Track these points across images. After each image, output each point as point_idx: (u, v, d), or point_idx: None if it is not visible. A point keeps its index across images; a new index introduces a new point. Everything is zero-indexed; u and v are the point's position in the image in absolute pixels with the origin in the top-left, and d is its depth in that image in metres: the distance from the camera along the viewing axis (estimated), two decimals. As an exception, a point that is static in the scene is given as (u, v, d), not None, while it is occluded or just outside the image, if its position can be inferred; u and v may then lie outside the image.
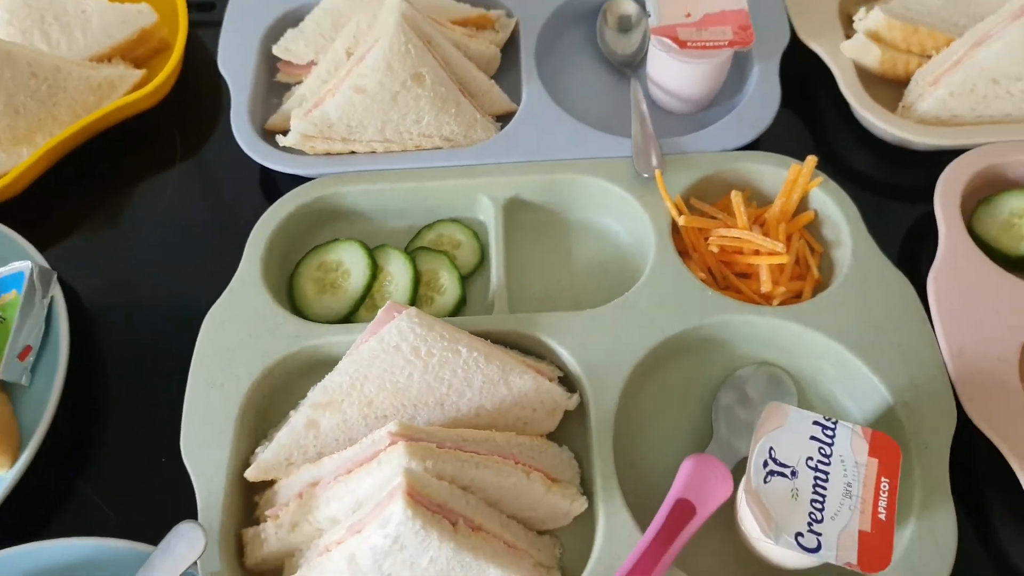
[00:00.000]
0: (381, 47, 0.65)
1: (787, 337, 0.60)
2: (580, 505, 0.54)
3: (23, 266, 0.62)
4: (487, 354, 0.56)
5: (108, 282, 0.68)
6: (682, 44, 0.67)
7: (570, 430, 0.58)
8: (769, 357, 0.61)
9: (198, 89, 0.79)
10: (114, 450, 0.61)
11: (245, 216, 0.68)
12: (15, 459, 0.57)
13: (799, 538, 0.46)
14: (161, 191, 0.74)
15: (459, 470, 0.50)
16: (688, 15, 0.68)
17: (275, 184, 0.73)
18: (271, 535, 0.53)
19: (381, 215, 0.69)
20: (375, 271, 0.64)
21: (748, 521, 0.48)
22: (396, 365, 0.55)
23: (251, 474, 0.55)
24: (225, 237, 0.69)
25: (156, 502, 0.58)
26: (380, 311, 0.57)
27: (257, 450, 0.56)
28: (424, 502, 0.47)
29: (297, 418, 0.56)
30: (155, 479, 0.59)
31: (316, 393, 0.56)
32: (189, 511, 0.56)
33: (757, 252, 0.63)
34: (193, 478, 0.55)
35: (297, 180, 0.69)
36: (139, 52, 0.78)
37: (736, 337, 0.61)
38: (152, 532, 0.51)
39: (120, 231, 0.72)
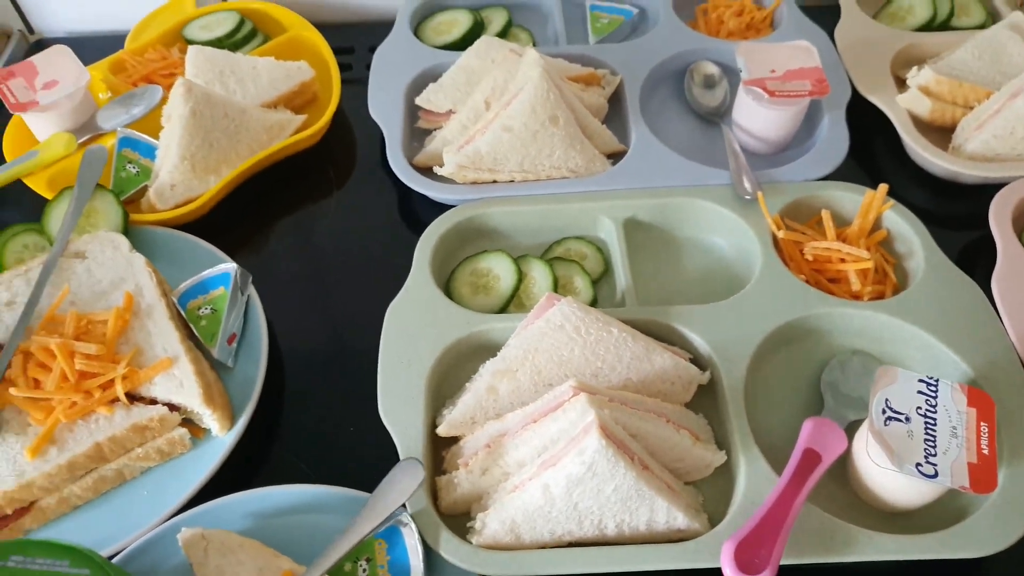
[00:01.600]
0: (527, 93, 0.80)
1: (877, 327, 0.72)
2: (721, 457, 0.65)
3: (228, 267, 0.75)
4: (633, 335, 0.68)
5: (286, 284, 0.80)
6: (771, 93, 0.82)
7: (699, 402, 0.69)
8: (862, 345, 0.73)
9: (343, 132, 0.94)
10: (307, 422, 0.72)
11: (392, 234, 0.85)
12: (232, 424, 0.68)
13: (919, 467, 0.57)
14: (324, 212, 0.87)
15: (627, 419, 0.61)
16: (773, 71, 0.83)
17: (412, 209, 0.86)
18: (463, 480, 0.63)
19: (517, 233, 0.82)
20: (520, 276, 0.77)
21: (874, 456, 0.59)
22: (561, 341, 0.67)
23: (442, 430, 0.66)
24: (379, 250, 0.84)
25: (346, 464, 0.68)
26: (541, 299, 0.69)
27: (444, 412, 0.67)
28: (611, 437, 0.58)
29: (479, 384, 0.67)
30: (344, 445, 0.70)
31: (495, 363, 0.67)
32: (376, 471, 0.67)
33: (843, 260, 0.76)
34: (394, 435, 0.65)
35: (433, 205, 0.83)
36: (297, 101, 0.93)
37: (835, 327, 0.73)
38: (346, 485, 0.63)
39: (292, 244, 0.84)
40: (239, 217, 0.86)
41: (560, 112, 0.81)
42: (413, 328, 0.72)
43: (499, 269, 0.78)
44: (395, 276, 0.78)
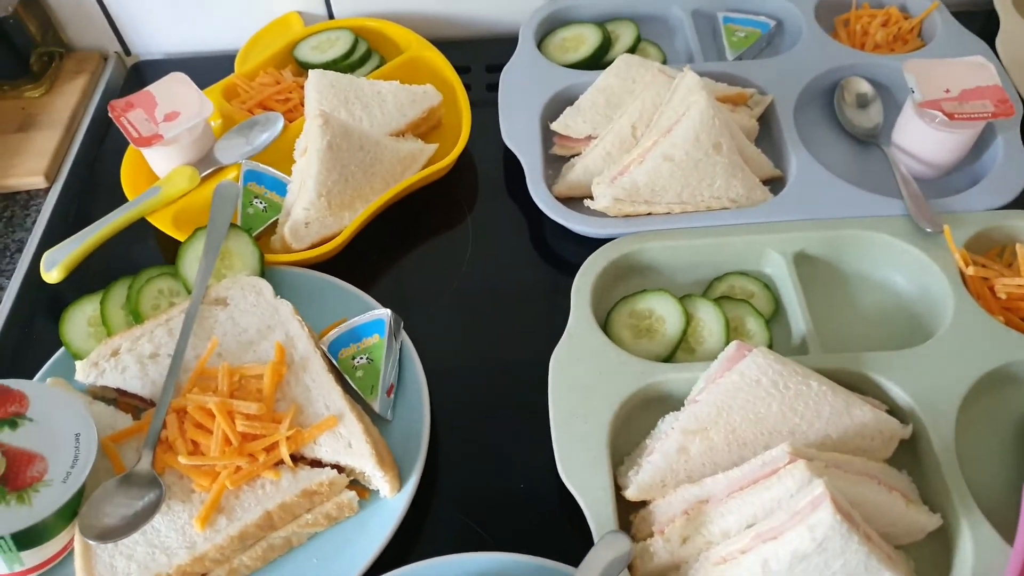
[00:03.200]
0: (692, 119, 0.77)
1: (1087, 373, 0.68)
2: (936, 520, 0.61)
3: (382, 313, 0.72)
4: (832, 388, 0.65)
5: (429, 327, 0.77)
6: (950, 115, 0.78)
7: (896, 460, 0.66)
8: (1070, 392, 0.69)
9: (466, 158, 0.91)
10: (474, 479, 0.69)
11: (535, 268, 0.83)
12: (401, 485, 0.65)
13: None
14: (459, 247, 0.84)
15: (843, 485, 0.58)
16: (947, 91, 0.80)
17: (548, 240, 0.84)
18: (660, 550, 0.61)
19: (673, 270, 0.79)
20: (688, 318, 0.74)
21: None
22: (758, 396, 0.64)
23: (632, 495, 0.63)
24: (524, 286, 0.82)
25: (523, 526, 0.66)
26: (729, 349, 0.66)
27: (628, 474, 0.65)
28: (842, 510, 0.55)
29: (668, 444, 0.64)
30: (516, 504, 0.67)
31: (685, 421, 0.64)
32: (558, 533, 0.65)
33: (1040, 298, 0.73)
34: (581, 500, 0.62)
35: (573, 237, 0.81)
36: (423, 128, 0.91)
37: (1040, 374, 0.69)
38: (526, 550, 0.61)
39: (431, 283, 0.82)
40: (372, 255, 0.84)
41: (724, 139, 0.78)
42: (584, 379, 0.69)
43: (662, 310, 0.75)
44: (546, 315, 0.76)
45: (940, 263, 0.74)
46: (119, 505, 0.61)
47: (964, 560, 0.60)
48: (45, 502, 0.57)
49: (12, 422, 0.60)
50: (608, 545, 0.58)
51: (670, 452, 0.64)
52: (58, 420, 0.61)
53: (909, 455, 0.66)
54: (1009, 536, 0.59)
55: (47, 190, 0.92)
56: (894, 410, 0.68)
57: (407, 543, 0.66)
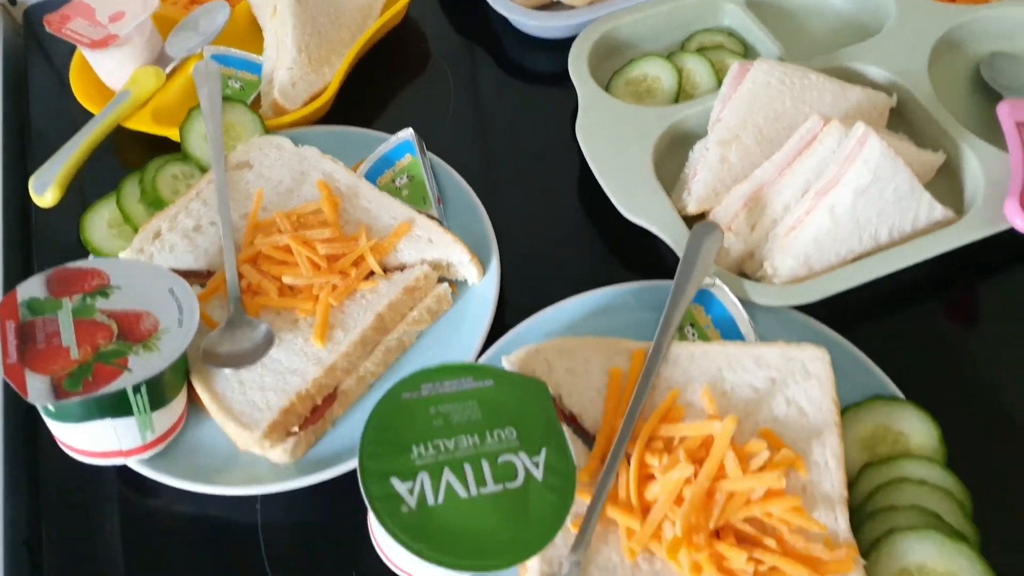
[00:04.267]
0: None
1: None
2: (940, 156, 0.72)
3: (405, 135, 0.75)
4: (827, 77, 0.74)
5: (441, 150, 0.81)
6: None
7: (891, 128, 0.77)
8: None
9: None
10: (536, 254, 0.75)
11: (516, 81, 0.89)
12: (484, 270, 0.69)
13: None
14: (440, 80, 0.88)
15: (870, 137, 0.68)
16: None
17: (515, 48, 0.90)
18: (733, 244, 0.68)
19: (645, 40, 0.86)
20: (678, 70, 0.81)
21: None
22: (772, 96, 0.72)
23: (692, 209, 0.70)
24: (513, 96, 0.87)
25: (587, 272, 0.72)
26: (731, 70, 0.74)
27: (682, 196, 0.72)
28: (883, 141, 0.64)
29: (710, 158, 0.71)
30: (583, 248, 0.74)
31: (717, 134, 0.72)
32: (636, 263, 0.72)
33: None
34: (650, 225, 0.69)
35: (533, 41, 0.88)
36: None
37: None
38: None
39: (424, 112, 0.85)
40: (361, 105, 0.86)
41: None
42: (613, 136, 0.75)
43: (655, 71, 0.82)
44: (548, 101, 0.82)
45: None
46: (233, 344, 0.63)
47: (974, 176, 0.71)
48: (171, 346, 0.58)
49: (102, 292, 0.60)
50: (700, 233, 0.65)
51: (713, 164, 0.71)
52: (145, 282, 0.62)
53: (901, 124, 0.77)
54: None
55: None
56: (875, 86, 0.78)
57: (502, 325, 0.70)
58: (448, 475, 0.48)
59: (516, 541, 0.47)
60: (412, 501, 0.47)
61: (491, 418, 0.51)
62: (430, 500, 0.47)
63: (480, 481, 0.48)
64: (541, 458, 0.50)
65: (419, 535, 0.46)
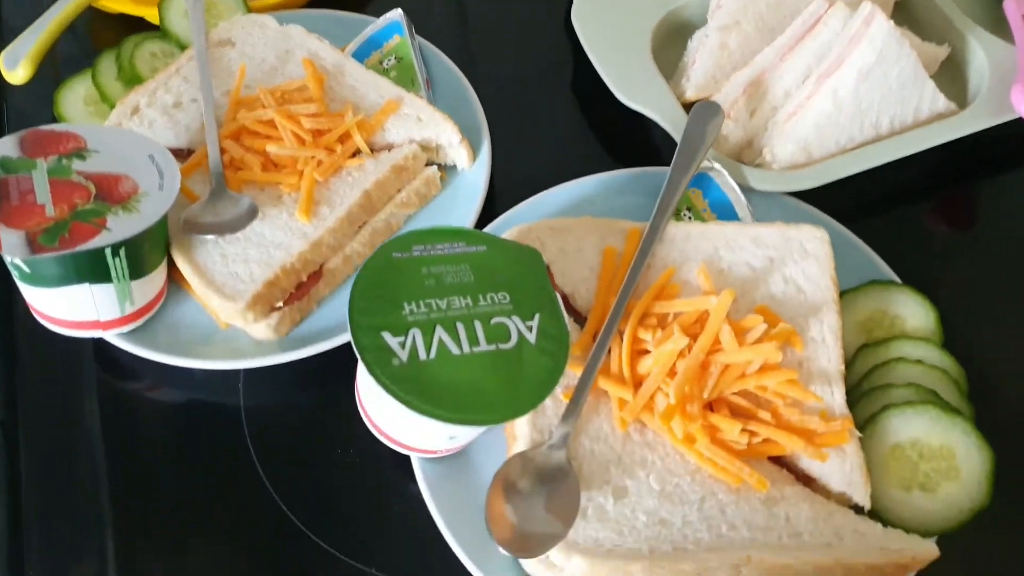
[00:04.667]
0: None
1: None
2: (945, 48, 0.71)
3: (394, 15, 0.72)
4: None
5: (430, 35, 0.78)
6: None
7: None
8: None
9: None
10: (528, 147, 0.73)
11: None
12: (475, 155, 0.68)
13: None
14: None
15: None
16: None
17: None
18: (731, 129, 0.67)
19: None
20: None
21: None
22: (772, -19, 0.70)
23: (691, 95, 0.69)
24: None
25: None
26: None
27: (681, 82, 0.70)
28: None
29: (709, 44, 0.70)
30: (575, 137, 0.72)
31: (718, 20, 0.70)
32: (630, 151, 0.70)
33: None
34: (647, 110, 0.67)
35: None
36: None
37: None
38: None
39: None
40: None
41: None
42: (611, 18, 0.73)
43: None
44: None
45: None
46: (215, 215, 0.61)
47: (979, 68, 0.70)
48: (151, 209, 0.56)
49: (79, 155, 0.58)
50: (701, 113, 0.63)
51: (713, 50, 0.69)
52: (124, 147, 0.59)
53: (906, 20, 0.75)
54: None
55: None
56: None
57: (492, 213, 0.68)
58: (440, 332, 0.47)
59: (508, 399, 0.46)
60: (403, 355, 0.46)
61: (484, 282, 0.50)
62: (422, 355, 0.46)
63: (473, 340, 0.47)
64: (535, 323, 0.49)
65: (410, 387, 0.45)
